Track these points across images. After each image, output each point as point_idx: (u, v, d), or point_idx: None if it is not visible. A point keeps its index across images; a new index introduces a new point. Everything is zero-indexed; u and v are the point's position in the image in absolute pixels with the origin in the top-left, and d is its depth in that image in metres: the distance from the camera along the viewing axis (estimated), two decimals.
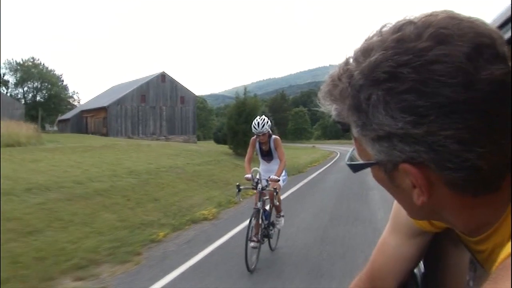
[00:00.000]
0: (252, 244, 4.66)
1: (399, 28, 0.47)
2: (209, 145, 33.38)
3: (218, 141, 45.21)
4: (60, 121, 58.30)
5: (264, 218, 5.02)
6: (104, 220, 6.32)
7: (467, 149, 0.43)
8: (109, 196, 7.66)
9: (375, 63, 0.46)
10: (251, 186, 4.98)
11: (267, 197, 5.16)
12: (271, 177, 5.01)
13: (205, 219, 7.28)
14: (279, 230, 5.67)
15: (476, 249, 0.58)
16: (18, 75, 65.04)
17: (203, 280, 4.31)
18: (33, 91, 68.47)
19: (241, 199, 6.26)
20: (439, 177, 0.47)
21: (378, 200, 9.06)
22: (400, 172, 0.50)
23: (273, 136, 5.27)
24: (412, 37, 0.45)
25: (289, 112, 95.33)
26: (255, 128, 5.01)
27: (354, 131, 0.52)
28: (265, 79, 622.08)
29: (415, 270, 0.90)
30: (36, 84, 67.08)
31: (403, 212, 0.64)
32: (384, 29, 0.49)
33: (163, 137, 44.68)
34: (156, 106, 47.14)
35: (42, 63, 70.06)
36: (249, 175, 5.00)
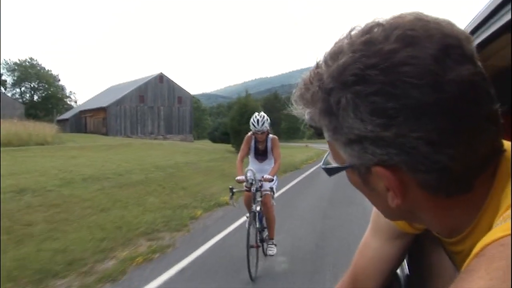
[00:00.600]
0: (252, 250, 4.46)
1: (367, 30, 0.47)
2: (211, 144, 34.96)
3: (214, 140, 46.86)
4: (58, 121, 59.28)
5: (259, 221, 4.75)
6: (151, 203, 7.94)
7: (438, 151, 0.43)
8: (148, 185, 9.28)
9: (344, 66, 0.46)
10: (244, 188, 4.66)
11: (261, 198, 4.79)
12: (265, 176, 4.63)
13: (227, 203, 8.90)
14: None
15: (453, 250, 0.58)
16: (16, 75, 65.80)
17: (240, 241, 5.95)
18: (30, 91, 69.41)
19: (235, 204, 5.18)
20: (412, 179, 0.47)
21: None
22: (373, 175, 0.50)
23: (271, 135, 5.01)
24: (380, 39, 0.45)
25: (282, 112, 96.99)
26: (254, 125, 4.71)
27: (326, 135, 0.52)
28: (257, 78, 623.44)
29: (399, 272, 0.89)
30: (33, 84, 68.01)
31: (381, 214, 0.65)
32: (353, 32, 0.49)
33: (161, 137, 46.20)
34: (154, 106, 48.65)
35: (39, 64, 70.92)
36: (241, 177, 4.66)
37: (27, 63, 69.18)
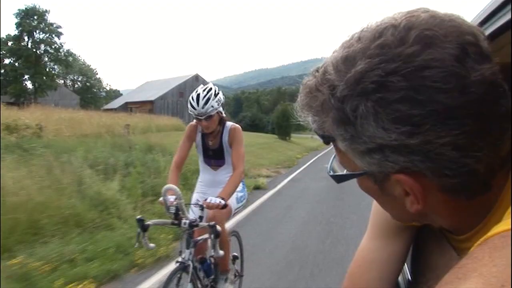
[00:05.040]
0: None
1: (380, 32, 0.45)
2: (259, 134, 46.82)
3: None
4: (105, 110, 69.41)
5: (204, 275, 2.77)
6: (272, 156, 19.20)
7: (465, 155, 0.42)
8: (263, 149, 20.60)
9: (361, 73, 0.43)
10: (169, 220, 2.44)
11: (203, 237, 2.63)
12: (209, 200, 2.51)
13: (297, 159, 20.36)
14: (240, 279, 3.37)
15: (461, 247, 0.56)
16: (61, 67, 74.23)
17: (319, 174, 17.47)
18: (71, 82, 78.98)
19: (149, 244, 2.45)
20: (433, 184, 0.45)
21: None
22: (391, 181, 0.48)
23: (229, 124, 2.92)
24: (396, 42, 0.43)
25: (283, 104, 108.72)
26: (192, 105, 2.68)
27: (342, 144, 0.49)
28: (257, 69, 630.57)
29: (400, 279, 0.84)
30: (75, 76, 77.53)
31: (381, 215, 0.67)
32: (364, 33, 0.47)
33: None
34: None
35: (81, 58, 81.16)
36: (162, 198, 2.44)
37: (70, 58, 79.32)
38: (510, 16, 0.58)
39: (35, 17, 47.44)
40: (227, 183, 2.75)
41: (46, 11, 48.08)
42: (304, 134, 74.80)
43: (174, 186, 2.38)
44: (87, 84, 79.53)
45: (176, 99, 58.80)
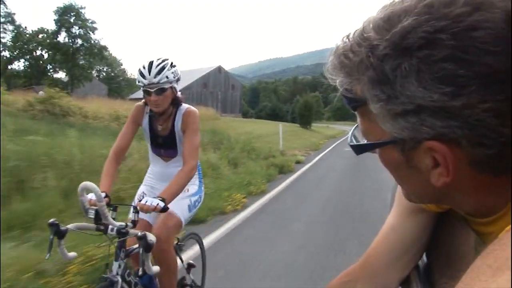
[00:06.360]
0: None
1: None
2: (267, 122, 50.14)
3: (260, 118, 62.43)
4: (130, 99, 73.30)
5: None
6: (300, 141, 22.58)
7: (504, 123, 0.40)
8: (291, 136, 23.99)
9: (407, 29, 0.42)
10: (92, 224, 1.91)
11: (135, 248, 2.08)
12: (143, 201, 1.97)
13: (320, 145, 23.73)
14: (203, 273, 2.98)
15: (483, 232, 0.54)
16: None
17: (342, 156, 20.87)
18: (97, 73, 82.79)
19: (69, 254, 1.87)
20: (465, 155, 0.44)
21: None
22: (420, 151, 0.46)
23: (184, 106, 2.40)
24: (446, 2, 0.41)
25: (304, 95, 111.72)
26: (141, 74, 2.23)
27: (375, 106, 0.47)
28: (272, 58, 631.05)
29: (419, 263, 0.80)
30: (101, 66, 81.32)
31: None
32: None
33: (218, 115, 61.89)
34: (214, 92, 63.55)
35: (109, 51, 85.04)
36: (91, 195, 1.88)
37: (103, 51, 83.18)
38: None
39: (72, 14, 51.26)
40: (171, 181, 2.18)
41: (82, 7, 51.85)
42: (320, 124, 78.15)
43: (92, 184, 1.78)
44: (112, 74, 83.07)
45: (200, 90, 62.47)
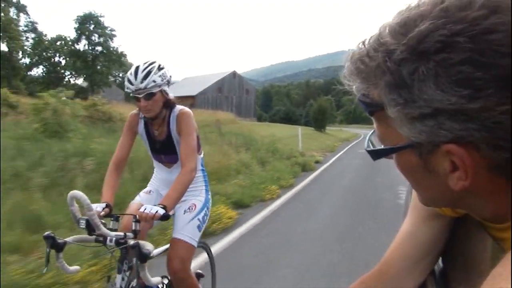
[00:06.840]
0: None
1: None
2: (281, 125, 51.32)
3: (275, 122, 63.75)
4: None
5: None
6: (316, 144, 23.83)
7: None
8: (307, 139, 25.20)
9: (424, 33, 0.42)
10: (91, 236, 1.86)
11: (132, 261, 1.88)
12: (142, 209, 1.91)
13: (335, 147, 24.91)
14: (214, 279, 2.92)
15: (502, 237, 0.54)
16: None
17: (356, 157, 22.02)
18: (113, 78, 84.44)
19: (70, 267, 1.84)
20: (483, 159, 0.44)
21: None
22: (438, 154, 0.47)
23: (178, 108, 2.32)
24: (461, 7, 0.42)
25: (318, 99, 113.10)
26: (129, 80, 2.15)
27: (392, 110, 0.47)
28: (283, 61, 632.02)
29: (435, 267, 0.80)
30: (116, 72, 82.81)
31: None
32: (423, 0, 0.46)
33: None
34: (228, 96, 65.02)
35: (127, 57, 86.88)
36: (99, 205, 2.00)
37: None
38: None
39: (92, 22, 53.19)
40: (171, 187, 2.07)
41: (101, 15, 53.77)
42: (333, 127, 79.10)
43: (80, 193, 1.69)
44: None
45: (215, 95, 64.01)
